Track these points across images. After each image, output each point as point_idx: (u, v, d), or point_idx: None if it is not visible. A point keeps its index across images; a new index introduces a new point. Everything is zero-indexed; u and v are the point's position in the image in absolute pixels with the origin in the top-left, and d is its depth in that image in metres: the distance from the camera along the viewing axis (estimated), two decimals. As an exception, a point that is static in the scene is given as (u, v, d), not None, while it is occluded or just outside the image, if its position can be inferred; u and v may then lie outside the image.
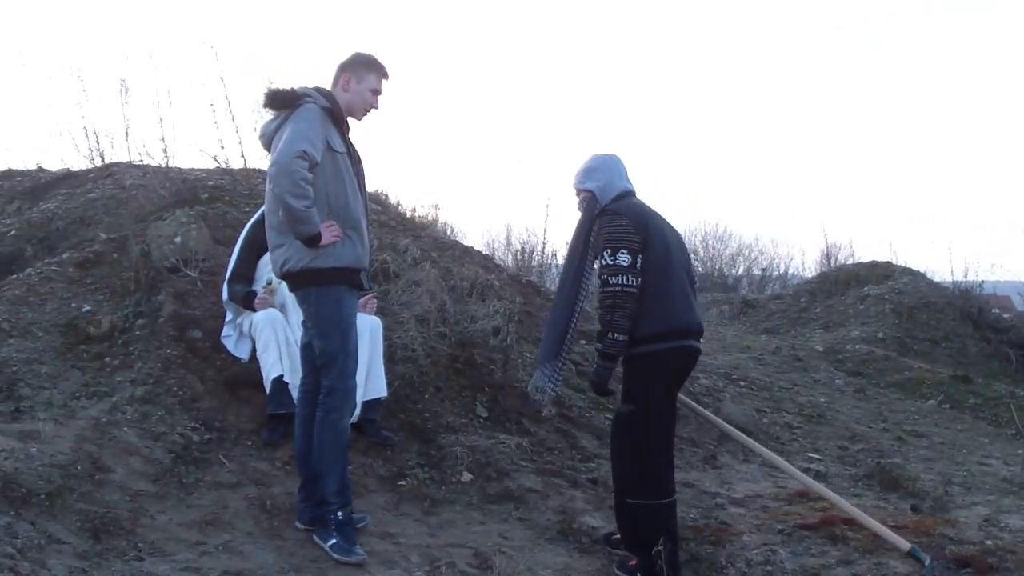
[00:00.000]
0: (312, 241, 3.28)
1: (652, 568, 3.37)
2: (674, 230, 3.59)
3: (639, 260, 3.34)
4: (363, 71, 3.51)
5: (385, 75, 3.55)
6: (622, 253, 3.33)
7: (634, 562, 3.47)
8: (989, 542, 3.47)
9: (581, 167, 3.64)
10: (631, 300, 3.31)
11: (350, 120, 3.52)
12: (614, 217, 3.43)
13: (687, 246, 3.82)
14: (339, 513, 3.40)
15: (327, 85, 3.52)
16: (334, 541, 3.36)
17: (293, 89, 3.41)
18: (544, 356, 3.60)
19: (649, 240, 3.38)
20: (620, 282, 3.31)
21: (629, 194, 3.58)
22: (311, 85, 3.47)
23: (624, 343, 3.34)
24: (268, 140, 3.46)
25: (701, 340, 3.54)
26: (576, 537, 3.80)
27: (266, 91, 3.43)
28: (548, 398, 3.63)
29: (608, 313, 3.33)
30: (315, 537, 3.44)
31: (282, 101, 3.40)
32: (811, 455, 5.32)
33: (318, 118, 3.35)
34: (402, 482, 4.06)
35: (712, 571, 3.55)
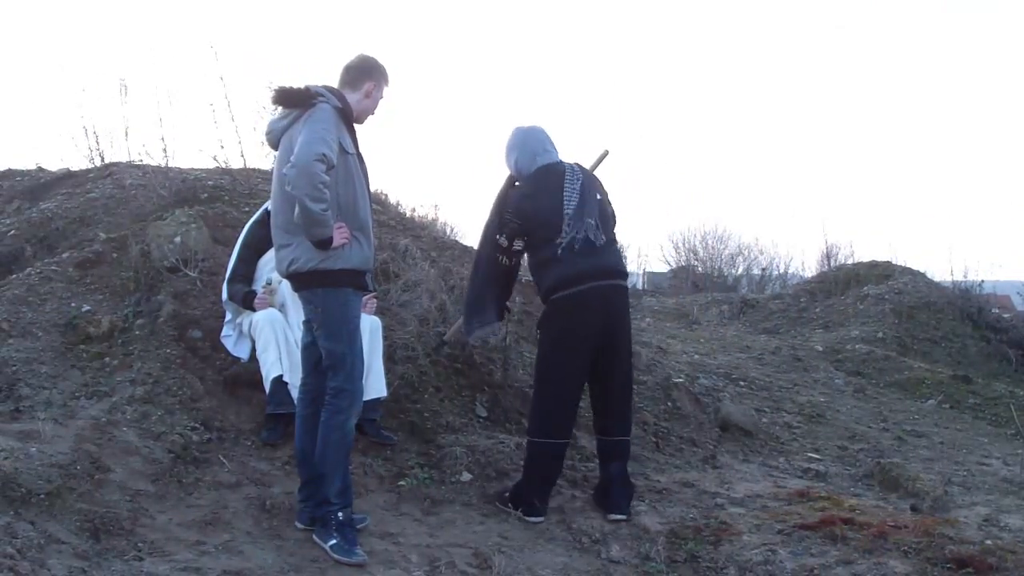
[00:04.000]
0: (324, 244, 3.29)
1: (516, 500, 3.92)
2: (573, 193, 3.91)
3: (515, 242, 4.00)
4: (382, 81, 3.55)
5: (389, 83, 3.61)
6: (501, 237, 4.02)
7: (508, 493, 3.99)
8: (989, 542, 3.46)
9: (504, 145, 4.12)
10: (489, 265, 4.05)
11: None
12: (508, 205, 4.02)
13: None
14: (340, 514, 3.40)
15: (331, 84, 3.51)
16: (334, 542, 3.36)
17: (307, 87, 3.39)
18: (465, 313, 4.22)
19: (530, 221, 3.94)
20: (501, 260, 4.03)
21: (541, 170, 3.99)
22: (320, 84, 3.45)
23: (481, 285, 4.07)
24: (276, 138, 3.45)
25: (611, 281, 3.95)
26: (576, 537, 3.80)
27: (276, 88, 3.40)
28: (485, 334, 4.27)
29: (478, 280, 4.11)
30: (315, 537, 3.44)
31: (294, 99, 3.37)
32: (811, 455, 5.32)
33: (333, 119, 3.34)
34: (402, 482, 4.07)
35: (712, 571, 3.55)
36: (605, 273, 3.93)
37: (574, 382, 3.95)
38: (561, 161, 4.05)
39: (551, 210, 3.90)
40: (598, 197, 4.02)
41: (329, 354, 3.43)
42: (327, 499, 3.41)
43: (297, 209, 3.25)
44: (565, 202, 3.90)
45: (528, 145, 4.04)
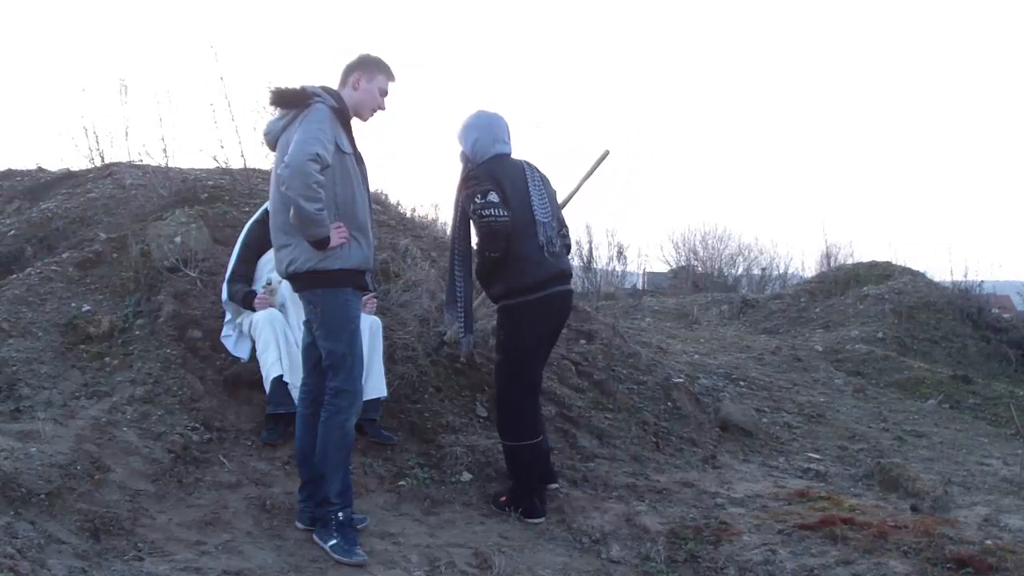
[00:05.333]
0: (321, 243, 3.28)
1: (516, 503, 3.92)
2: (537, 190, 3.89)
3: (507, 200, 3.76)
4: (373, 71, 3.51)
5: (392, 77, 3.57)
6: (491, 193, 3.74)
7: (504, 497, 3.98)
8: (989, 542, 3.47)
9: (462, 122, 3.99)
10: (504, 227, 3.73)
11: (355, 120, 3.52)
12: (474, 181, 3.81)
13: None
14: (340, 514, 3.40)
15: (329, 85, 3.51)
16: (334, 542, 3.36)
17: (303, 88, 3.38)
18: (446, 302, 4.16)
19: (507, 199, 3.77)
20: (493, 214, 3.72)
21: (500, 156, 3.90)
22: (317, 84, 3.45)
23: (497, 260, 3.79)
24: (274, 139, 3.45)
25: (568, 285, 4.00)
26: (576, 537, 3.80)
27: (273, 89, 3.40)
28: (464, 344, 4.21)
29: (485, 240, 3.79)
30: (315, 537, 3.44)
31: (290, 100, 3.38)
32: (811, 455, 5.32)
33: (328, 119, 3.33)
34: (402, 482, 4.07)
35: (712, 571, 3.55)
36: (566, 277, 3.99)
37: (539, 381, 4.03)
38: (514, 156, 3.97)
39: (517, 200, 3.81)
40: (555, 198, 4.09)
41: (329, 354, 3.43)
42: (327, 499, 3.41)
43: (292, 209, 3.25)
44: (534, 202, 3.86)
45: (492, 130, 3.92)
